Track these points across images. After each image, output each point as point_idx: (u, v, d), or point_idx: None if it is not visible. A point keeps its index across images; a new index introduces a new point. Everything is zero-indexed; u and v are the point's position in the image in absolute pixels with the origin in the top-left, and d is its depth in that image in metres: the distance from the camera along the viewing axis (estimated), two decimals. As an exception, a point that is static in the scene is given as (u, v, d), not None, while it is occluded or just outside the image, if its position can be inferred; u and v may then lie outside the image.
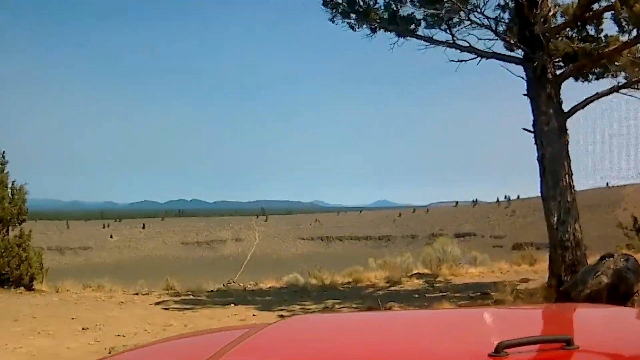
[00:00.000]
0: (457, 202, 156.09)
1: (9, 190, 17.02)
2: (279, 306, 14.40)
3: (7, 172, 17.12)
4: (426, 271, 19.93)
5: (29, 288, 16.37)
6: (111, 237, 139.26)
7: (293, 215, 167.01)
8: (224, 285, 20.01)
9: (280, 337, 2.29)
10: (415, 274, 19.45)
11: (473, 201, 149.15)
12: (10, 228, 16.90)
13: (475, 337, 2.14)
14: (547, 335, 2.05)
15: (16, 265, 16.11)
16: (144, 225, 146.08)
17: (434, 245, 22.16)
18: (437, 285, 17.39)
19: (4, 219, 16.47)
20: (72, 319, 12.18)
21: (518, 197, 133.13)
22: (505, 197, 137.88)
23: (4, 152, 17.40)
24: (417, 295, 15.72)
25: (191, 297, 16.34)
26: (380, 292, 16.45)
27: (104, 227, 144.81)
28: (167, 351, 2.71)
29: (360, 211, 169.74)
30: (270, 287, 18.62)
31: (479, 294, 14.78)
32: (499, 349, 1.67)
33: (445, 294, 15.45)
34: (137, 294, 16.78)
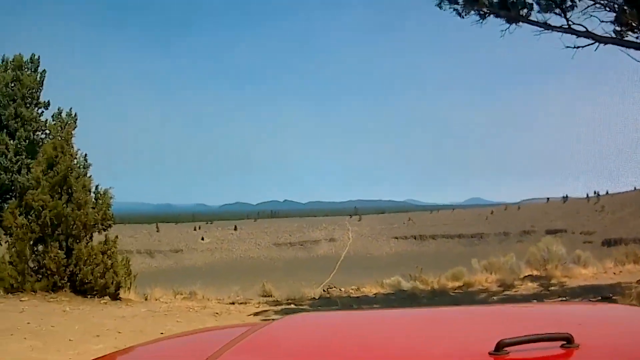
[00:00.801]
0: (548, 199, 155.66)
1: (93, 194, 15.88)
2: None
3: (91, 176, 16.04)
4: (535, 272, 18.60)
5: (115, 297, 15.24)
6: (202, 239, 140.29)
7: (386, 215, 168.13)
8: (324, 291, 18.72)
9: (280, 335, 2.27)
10: (527, 276, 18.13)
11: (563, 197, 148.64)
12: (94, 234, 15.79)
13: (476, 335, 2.07)
14: (547, 334, 1.75)
15: (101, 274, 14.97)
16: (235, 227, 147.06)
17: (538, 244, 20.83)
18: (552, 288, 16.14)
19: (87, 225, 15.31)
20: (161, 334, 10.77)
21: (607, 192, 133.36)
22: (595, 193, 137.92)
23: (86, 155, 16.35)
24: (535, 300, 14.14)
25: (293, 306, 14.85)
26: (495, 298, 15.17)
27: (195, 230, 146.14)
28: (167, 349, 2.65)
29: (453, 209, 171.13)
30: (376, 294, 17.05)
31: (600, 299, 13.31)
32: (499, 347, 1.65)
33: (564, 298, 14.40)
34: (233, 304, 15.34)
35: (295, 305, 15.00)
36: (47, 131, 20.70)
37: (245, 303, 15.52)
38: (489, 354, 1.65)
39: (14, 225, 15.04)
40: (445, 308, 6.16)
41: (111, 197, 16.15)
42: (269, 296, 18.27)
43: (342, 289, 19.15)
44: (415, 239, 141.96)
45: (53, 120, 20.53)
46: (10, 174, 20.19)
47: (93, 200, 15.82)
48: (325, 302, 15.42)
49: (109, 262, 15.24)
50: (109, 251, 15.38)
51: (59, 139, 15.82)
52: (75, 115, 20.87)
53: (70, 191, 15.31)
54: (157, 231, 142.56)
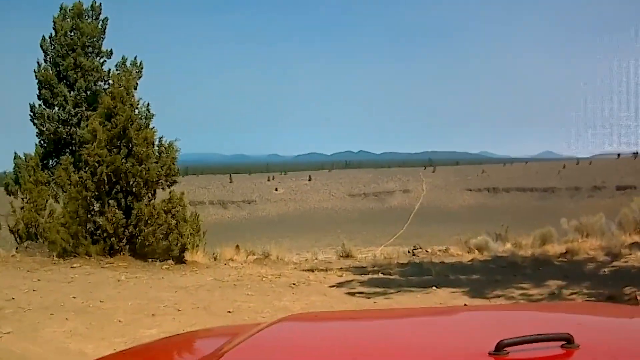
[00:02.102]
0: (618, 155, 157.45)
1: (156, 148, 14.33)
2: (492, 289, 10.98)
3: (154, 128, 14.41)
4: (637, 239, 16.31)
5: (180, 261, 13.78)
6: (276, 189, 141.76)
7: (460, 166, 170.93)
8: (409, 252, 17.18)
9: (280, 336, 2.23)
10: (633, 244, 15.87)
11: (634, 153, 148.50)
12: (157, 191, 14.28)
13: (476, 335, 2.05)
14: (547, 334, 1.75)
15: (163, 235, 13.50)
16: (310, 177, 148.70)
17: (631, 204, 18.76)
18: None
19: (149, 182, 13.78)
20: (229, 312, 9.14)
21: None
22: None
23: (148, 104, 14.73)
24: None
25: (381, 275, 12.97)
26: (606, 270, 12.98)
27: (268, 180, 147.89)
28: (166, 350, 2.57)
29: (526, 162, 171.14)
30: (471, 260, 15.15)
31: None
32: (499, 347, 1.64)
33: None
34: (312, 271, 13.62)
35: (383, 274, 13.14)
36: (110, 81, 19.23)
37: (326, 270, 13.78)
38: (489, 354, 1.64)
39: (67, 183, 13.62)
40: (445, 308, 6.23)
41: (177, 150, 14.57)
42: (348, 256, 16.75)
43: (429, 250, 17.52)
44: (488, 191, 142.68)
45: (117, 70, 19.00)
46: (69, 127, 18.84)
47: (156, 154, 14.27)
48: (417, 271, 13.51)
49: (173, 222, 13.73)
50: (173, 210, 13.86)
51: (118, 87, 14.22)
52: (141, 64, 19.29)
53: (130, 145, 13.78)
54: (230, 182, 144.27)
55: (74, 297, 9.64)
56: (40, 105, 19.21)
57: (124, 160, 13.50)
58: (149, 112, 14.67)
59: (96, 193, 13.51)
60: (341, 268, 13.98)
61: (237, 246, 17.69)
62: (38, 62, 19.41)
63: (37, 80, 19.28)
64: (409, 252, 17.42)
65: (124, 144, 13.71)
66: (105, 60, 20.23)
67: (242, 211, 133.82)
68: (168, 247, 13.54)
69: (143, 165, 13.61)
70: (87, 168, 13.53)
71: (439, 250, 17.31)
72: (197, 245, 14.70)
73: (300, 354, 1.96)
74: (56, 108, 19.06)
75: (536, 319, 2.54)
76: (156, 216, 13.40)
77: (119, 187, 13.59)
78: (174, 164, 14.35)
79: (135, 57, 19.34)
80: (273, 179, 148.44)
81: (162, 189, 14.28)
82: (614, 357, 1.75)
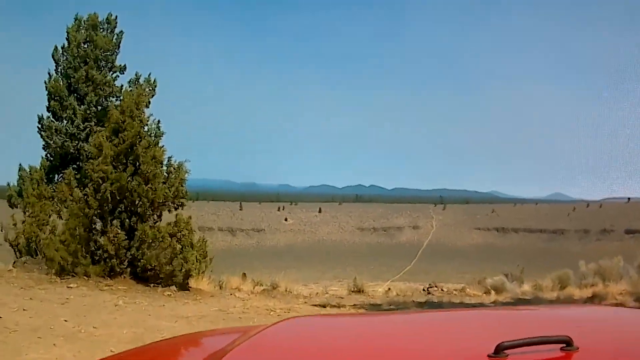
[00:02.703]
0: (629, 199, 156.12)
1: (164, 167, 13.65)
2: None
3: (163, 147, 13.74)
4: None
5: (183, 287, 13.06)
6: (286, 220, 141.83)
7: (470, 205, 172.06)
8: (424, 290, 16.60)
9: (279, 339, 2.22)
10: None
11: None
12: (163, 213, 13.60)
13: (475, 338, 2.07)
14: (547, 336, 1.76)
15: (167, 260, 12.75)
16: (320, 209, 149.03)
17: None
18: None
19: (155, 202, 13.08)
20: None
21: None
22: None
23: (159, 122, 14.09)
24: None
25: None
26: None
27: (278, 210, 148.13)
28: (166, 352, 2.50)
29: (536, 203, 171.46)
30: (494, 302, 14.39)
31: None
32: (499, 349, 1.65)
33: None
34: (323, 306, 12.90)
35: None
36: (122, 97, 18.62)
37: (339, 306, 13.09)
38: (489, 356, 1.64)
39: (69, 198, 12.94)
40: (444, 311, 6.04)
41: (186, 172, 13.88)
42: (360, 292, 16.11)
43: (445, 289, 16.81)
44: (497, 231, 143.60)
45: (129, 87, 18.39)
46: (77, 141, 18.17)
47: (164, 174, 13.59)
48: (434, 308, 12.79)
49: (178, 246, 13.02)
50: (179, 234, 13.15)
51: (129, 101, 13.57)
52: (155, 82, 18.70)
53: (137, 162, 13.10)
54: (240, 209, 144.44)
55: (66, 321, 8.89)
56: (48, 117, 18.59)
57: (129, 178, 12.84)
58: (159, 129, 14.05)
59: (99, 211, 12.82)
60: (354, 305, 13.32)
61: (244, 275, 17.06)
62: (49, 73, 18.83)
63: (47, 92, 18.69)
64: (424, 290, 16.76)
65: (131, 162, 13.04)
66: (118, 76, 19.61)
67: (251, 239, 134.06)
68: (171, 273, 12.81)
69: (150, 185, 12.93)
70: (90, 184, 12.84)
71: (455, 290, 16.64)
72: (203, 272, 14.17)
73: (301, 356, 1.96)
74: (65, 121, 18.42)
75: (536, 321, 2.55)
76: (160, 239, 12.70)
77: (123, 207, 12.93)
78: (182, 186, 13.66)
79: (149, 74, 18.78)
80: (283, 209, 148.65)
81: (169, 211, 13.58)
82: (613, 359, 1.76)
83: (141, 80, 18.45)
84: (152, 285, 12.75)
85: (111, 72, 19.48)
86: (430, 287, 17.03)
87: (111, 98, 19.34)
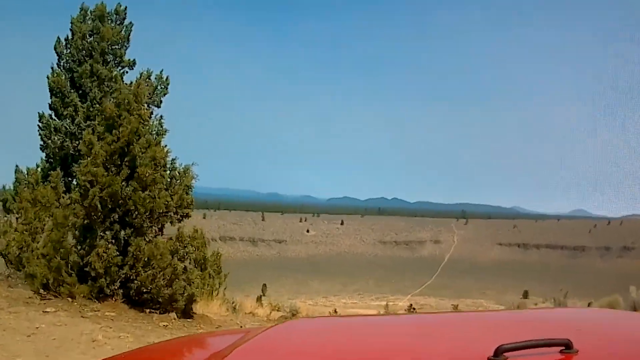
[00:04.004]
0: None
1: (168, 172, 11.67)
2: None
3: (166, 147, 11.76)
4: None
5: (187, 314, 11.04)
6: (308, 231, 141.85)
7: (492, 220, 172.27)
8: (454, 307, 14.65)
9: (279, 341, 2.20)
10: None
11: None
12: (166, 225, 11.62)
13: (475, 340, 2.04)
14: (546, 339, 1.74)
15: (167, 282, 10.73)
16: (342, 221, 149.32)
17: None
18: None
19: (154, 212, 11.06)
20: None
21: None
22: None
23: (161, 117, 12.15)
24: None
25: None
26: None
27: (300, 221, 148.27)
28: (167, 354, 2.50)
29: (558, 219, 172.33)
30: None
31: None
32: (498, 352, 1.64)
33: None
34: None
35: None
36: (118, 88, 16.69)
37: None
38: (488, 359, 1.63)
39: (54, 204, 11.00)
40: (444, 314, 4.73)
41: (193, 178, 11.85)
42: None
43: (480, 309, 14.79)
44: (519, 247, 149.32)
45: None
46: (78, 141, 16.26)
47: (166, 179, 11.58)
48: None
49: (181, 265, 10.99)
50: (182, 250, 11.16)
51: (127, 93, 11.59)
52: (167, 79, 16.88)
53: (134, 165, 11.10)
54: (263, 220, 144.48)
55: (22, 362, 6.95)
56: (50, 115, 16.74)
57: (124, 183, 10.81)
58: (161, 126, 12.09)
59: (87, 221, 10.84)
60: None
61: (264, 286, 15.31)
62: (52, 68, 16.96)
63: (49, 87, 16.83)
64: (453, 307, 14.91)
65: (127, 164, 10.98)
66: (126, 71, 17.65)
67: (272, 250, 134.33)
68: (171, 297, 10.79)
69: (148, 192, 10.90)
70: (76, 189, 10.88)
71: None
72: (217, 289, 12.74)
73: (302, 358, 1.95)
74: (66, 119, 16.54)
75: (535, 324, 2.49)
76: (159, 257, 10.64)
77: (116, 216, 10.90)
78: (187, 194, 11.62)
79: (162, 70, 16.93)
80: (305, 220, 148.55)
81: (171, 222, 11.56)
82: None
83: (152, 78, 16.63)
84: (147, 311, 10.77)
85: (119, 68, 17.58)
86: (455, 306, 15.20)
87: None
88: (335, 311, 61.62)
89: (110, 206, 10.74)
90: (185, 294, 10.88)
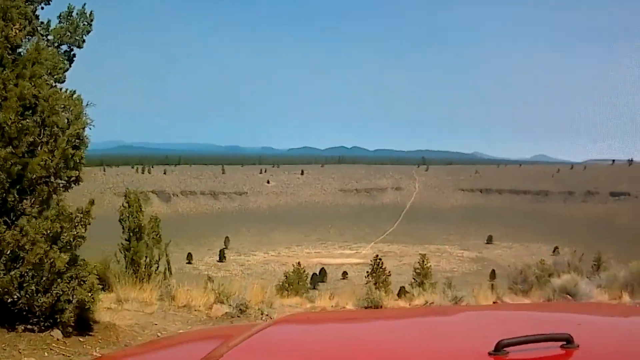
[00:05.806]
0: (613, 161, 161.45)
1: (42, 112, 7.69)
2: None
3: (44, 77, 7.84)
4: None
5: (84, 326, 7.36)
6: (268, 182, 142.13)
7: (454, 166, 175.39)
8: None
9: (279, 336, 2.21)
10: None
11: (629, 160, 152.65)
12: (45, 197, 7.67)
13: (475, 335, 2.07)
14: (547, 334, 1.80)
15: (45, 286, 6.89)
16: (302, 171, 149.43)
17: None
18: None
19: (26, 179, 7.13)
20: None
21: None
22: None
23: (68, 52, 8.24)
24: None
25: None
26: None
27: (260, 173, 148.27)
28: (165, 350, 2.57)
29: (520, 165, 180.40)
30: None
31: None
32: (499, 347, 1.67)
33: None
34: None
35: None
36: (51, 37, 12.83)
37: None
38: (489, 354, 1.66)
39: None
40: (444, 308, 6.08)
41: (85, 125, 7.92)
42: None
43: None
44: (481, 192, 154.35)
45: (59, 23, 12.66)
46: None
47: (41, 128, 7.60)
48: None
49: (63, 258, 7.08)
50: (65, 233, 7.26)
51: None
52: (92, 14, 13.03)
53: (-8, 107, 7.11)
54: (223, 173, 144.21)
55: None
56: None
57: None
58: (68, 62, 8.24)
59: None
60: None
61: (223, 251, 12.40)
62: None
63: None
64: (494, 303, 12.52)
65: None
66: (41, 7, 13.77)
67: (233, 203, 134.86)
68: (53, 307, 7.02)
69: (10, 148, 6.99)
70: None
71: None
72: (157, 263, 11.58)
73: (300, 354, 1.95)
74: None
75: (536, 319, 2.52)
76: (28, 247, 6.82)
77: (-38, 187, 7.00)
78: (78, 148, 7.73)
79: (84, 5, 13.12)
80: (265, 171, 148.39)
81: (54, 191, 7.66)
82: (613, 357, 1.78)
83: (75, 14, 12.79)
84: (21, 329, 7.01)
85: (28, 2, 13.65)
86: (495, 303, 12.65)
87: (33, 37, 13.65)
88: (299, 264, 59.04)
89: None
90: (73, 302, 7.11)
